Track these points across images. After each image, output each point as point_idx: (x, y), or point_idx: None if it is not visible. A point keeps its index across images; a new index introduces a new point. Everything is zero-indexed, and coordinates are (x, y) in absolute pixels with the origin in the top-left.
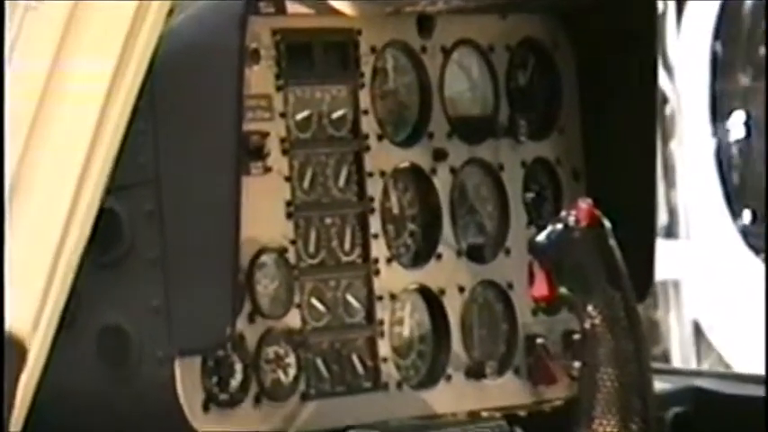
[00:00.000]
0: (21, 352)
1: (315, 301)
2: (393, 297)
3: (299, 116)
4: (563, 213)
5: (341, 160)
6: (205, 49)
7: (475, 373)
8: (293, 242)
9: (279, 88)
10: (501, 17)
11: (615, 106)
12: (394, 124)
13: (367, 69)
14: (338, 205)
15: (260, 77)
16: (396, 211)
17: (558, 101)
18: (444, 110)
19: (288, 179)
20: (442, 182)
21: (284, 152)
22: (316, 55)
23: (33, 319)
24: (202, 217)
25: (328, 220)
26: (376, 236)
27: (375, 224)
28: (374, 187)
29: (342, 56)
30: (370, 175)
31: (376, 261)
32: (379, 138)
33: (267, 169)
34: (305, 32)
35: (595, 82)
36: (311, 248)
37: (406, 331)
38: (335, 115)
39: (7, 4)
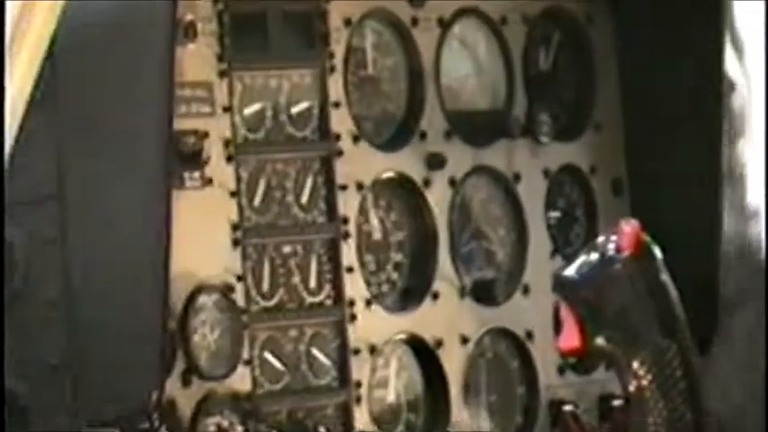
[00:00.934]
0: None
1: (270, 357)
2: (374, 350)
3: (249, 110)
4: (600, 239)
5: (304, 169)
6: (121, 22)
7: None
8: (241, 278)
9: (222, 73)
10: None
11: (668, 96)
12: (375, 121)
13: (339, 48)
14: (301, 229)
15: (196, 59)
16: (377, 236)
17: (592, 89)
18: (441, 102)
19: (234, 194)
20: (438, 197)
21: (229, 158)
22: (271, 29)
23: None
24: (119, 245)
25: (287, 249)
26: (351, 269)
27: (350, 254)
28: (348, 205)
29: (305, 30)
30: (344, 188)
31: (351, 303)
32: (355, 139)
33: (207, 181)
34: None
35: (642, 64)
36: (265, 286)
37: (390, 396)
38: (297, 109)
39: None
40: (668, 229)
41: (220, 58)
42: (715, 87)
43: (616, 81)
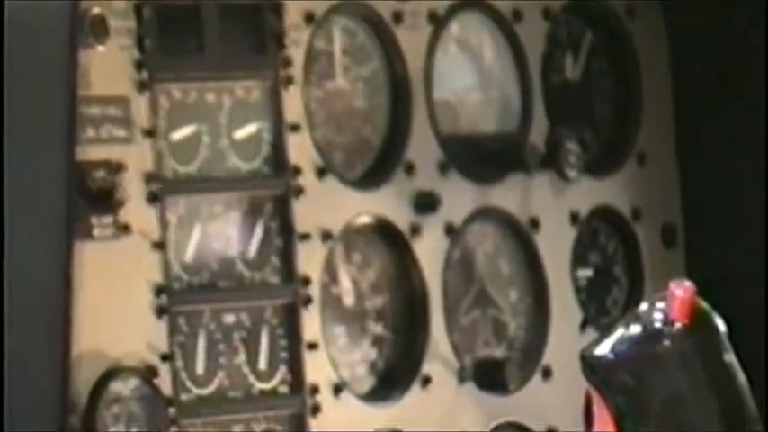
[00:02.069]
0: None
1: None
2: None
3: (179, 135)
4: (644, 306)
5: (252, 212)
6: (11, 18)
7: None
8: (167, 357)
9: (142, 86)
10: None
11: (737, 117)
12: (346, 149)
13: (297, 52)
14: (248, 291)
15: (108, 67)
16: (349, 301)
17: (635, 109)
18: (434, 123)
19: (159, 246)
20: (430, 249)
21: (152, 199)
22: (207, 27)
23: None
24: (4, 313)
25: (230, 319)
26: (314, 345)
27: (312, 325)
28: (311, 260)
29: (253, 29)
30: (305, 237)
31: (314, 390)
32: (320, 173)
33: (122, 228)
34: None
35: (703, 74)
36: (200, 368)
37: None
38: (242, 133)
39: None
40: (735, 295)
41: (139, 66)
42: None
43: (667, 95)
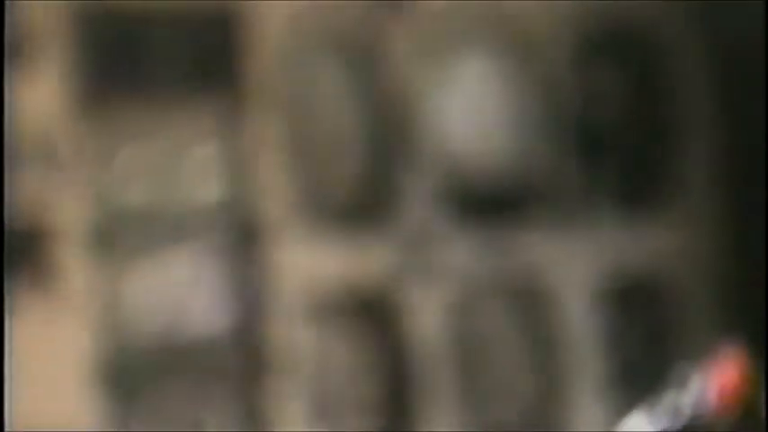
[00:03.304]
0: None
1: None
2: None
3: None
4: (691, 386)
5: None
6: None
7: None
8: None
9: (74, 120)
10: None
11: None
12: (319, 191)
13: (265, 78)
14: (193, 366)
15: (34, 98)
16: (323, 386)
17: (676, 147)
18: (431, 160)
19: (97, 307)
20: (424, 321)
21: (86, 257)
22: (156, 47)
23: None
24: None
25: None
26: None
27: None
28: (274, 326)
29: (210, 48)
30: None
31: None
32: (286, 223)
33: (50, 292)
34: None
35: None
36: None
37: None
38: (192, 172)
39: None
40: None
41: (72, 96)
42: None
43: (716, 131)
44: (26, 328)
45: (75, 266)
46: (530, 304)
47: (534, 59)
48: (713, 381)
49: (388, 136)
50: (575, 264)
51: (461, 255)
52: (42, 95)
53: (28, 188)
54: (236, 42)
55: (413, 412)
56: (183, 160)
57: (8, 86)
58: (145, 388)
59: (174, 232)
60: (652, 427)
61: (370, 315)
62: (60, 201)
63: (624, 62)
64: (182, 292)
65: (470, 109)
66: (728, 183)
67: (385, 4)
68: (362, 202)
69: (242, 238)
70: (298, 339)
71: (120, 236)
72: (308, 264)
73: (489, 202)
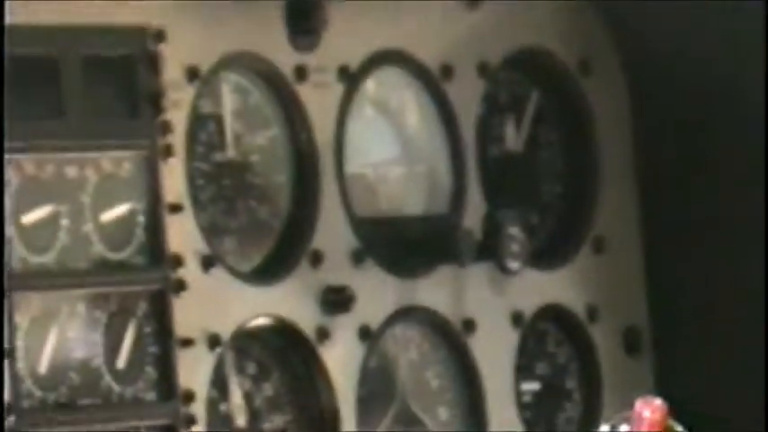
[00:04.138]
0: None
1: None
2: None
3: (32, 218)
4: (603, 429)
5: (123, 312)
6: None
7: None
8: None
9: None
10: (470, 1)
11: (712, 193)
12: (239, 235)
13: (179, 117)
14: (116, 411)
15: None
16: (241, 421)
17: (591, 185)
18: (346, 203)
19: (6, 355)
20: (342, 357)
21: None
22: (66, 84)
23: None
24: None
25: None
26: None
27: None
28: (195, 370)
29: (123, 87)
30: (187, 343)
31: None
32: (207, 263)
33: None
34: (31, 35)
35: (670, 145)
36: None
37: None
38: (110, 215)
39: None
40: (713, 413)
41: None
42: None
43: (629, 168)
44: None
45: None
46: (444, 335)
47: (440, 95)
48: (639, 419)
49: (305, 167)
50: (490, 301)
51: (378, 290)
52: None
53: None
54: (151, 82)
55: None
56: (99, 209)
57: None
58: None
59: (87, 282)
60: None
61: (291, 347)
62: None
63: (536, 100)
64: (95, 348)
65: (384, 146)
66: (644, 239)
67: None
68: (283, 250)
69: (158, 294)
70: (226, 372)
71: (30, 285)
72: (230, 309)
73: (403, 245)
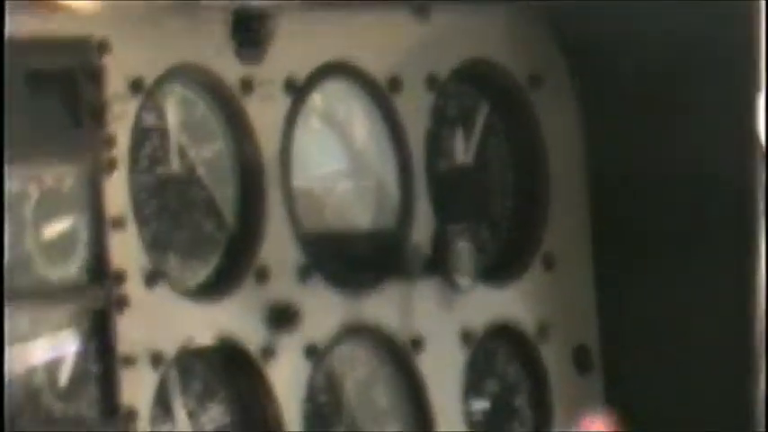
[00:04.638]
0: None
1: None
2: None
3: None
4: None
5: (64, 330)
6: None
7: None
8: None
9: None
10: (418, 14)
11: (665, 209)
12: (182, 250)
13: (122, 130)
14: (57, 430)
15: None
16: None
17: (541, 200)
18: (293, 217)
19: None
20: (286, 376)
21: None
22: (9, 97)
23: None
24: None
25: None
26: None
27: None
28: (137, 390)
29: (65, 99)
30: (129, 362)
31: None
32: (150, 280)
33: None
34: None
35: (621, 158)
36: None
37: None
38: (51, 233)
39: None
40: (664, 429)
41: None
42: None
43: (580, 183)
44: None
45: None
46: (391, 353)
47: (388, 108)
48: None
49: (251, 180)
50: (438, 318)
51: (324, 307)
52: None
53: None
54: (93, 95)
55: None
56: (40, 225)
57: None
58: None
59: (27, 300)
60: None
61: (236, 365)
62: None
63: (485, 112)
64: (35, 367)
65: (331, 159)
66: (595, 256)
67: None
68: (228, 266)
69: (100, 311)
70: (169, 390)
71: None
72: (173, 326)
73: (350, 260)
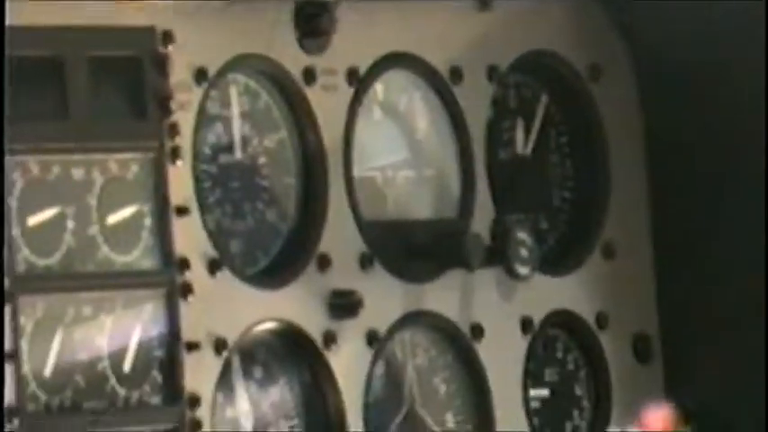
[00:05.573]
0: None
1: None
2: None
3: (36, 220)
4: None
5: (129, 316)
6: None
7: None
8: None
9: None
10: (480, 4)
11: (727, 198)
12: (246, 238)
13: (186, 119)
14: (122, 415)
15: None
16: (247, 427)
17: (601, 190)
18: (354, 207)
19: (10, 357)
20: (348, 362)
21: (1, 299)
22: (72, 85)
23: None
24: None
25: None
26: None
27: None
28: (200, 375)
29: (130, 89)
30: (193, 347)
31: None
32: (213, 267)
33: None
34: (37, 37)
35: (683, 150)
36: None
37: None
38: (116, 218)
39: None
40: (722, 420)
41: None
42: None
43: (641, 173)
44: None
45: None
46: (451, 341)
47: (449, 99)
48: (648, 426)
49: (313, 170)
50: (498, 306)
51: (385, 295)
52: None
53: None
54: (159, 83)
55: None
56: (105, 211)
57: None
58: None
59: (92, 285)
60: None
61: (298, 352)
62: None
63: (545, 104)
64: (100, 352)
65: (392, 150)
66: (655, 245)
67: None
68: (290, 254)
69: (165, 297)
70: (232, 376)
71: (35, 288)
72: (236, 313)
73: (411, 249)
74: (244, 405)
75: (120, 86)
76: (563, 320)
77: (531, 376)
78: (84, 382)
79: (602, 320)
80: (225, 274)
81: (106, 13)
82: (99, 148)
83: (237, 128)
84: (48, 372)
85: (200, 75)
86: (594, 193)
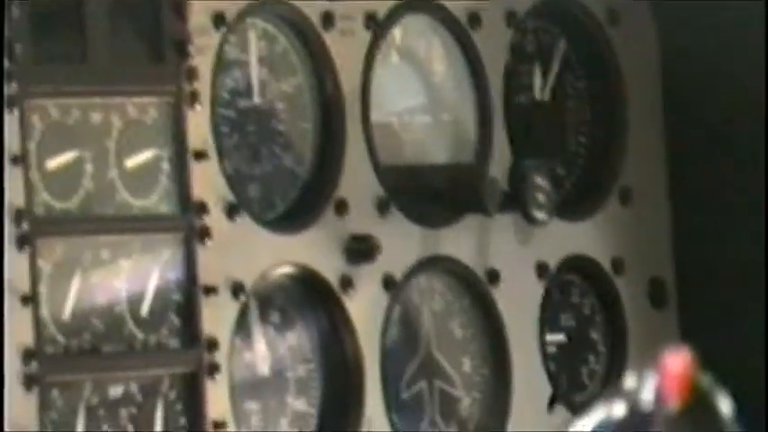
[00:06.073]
0: None
1: None
2: None
3: (56, 163)
4: (629, 381)
5: (147, 259)
6: None
7: None
8: None
9: (10, 102)
10: None
11: (740, 146)
12: (263, 182)
13: (204, 63)
14: (140, 357)
15: None
16: (265, 370)
17: (618, 135)
18: (371, 151)
19: (28, 300)
20: (365, 307)
21: (21, 241)
22: (90, 29)
23: None
24: None
25: (116, 390)
26: (221, 424)
27: (219, 399)
28: (218, 318)
29: (148, 32)
30: (211, 291)
31: None
32: (231, 211)
33: None
34: None
35: (699, 94)
36: None
37: None
38: (135, 161)
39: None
40: (742, 367)
41: (7, 77)
42: None
43: (658, 118)
44: None
45: (7, 261)
46: (468, 286)
47: (467, 44)
48: (665, 375)
49: (331, 115)
50: (515, 251)
51: (402, 240)
52: None
53: None
54: (177, 28)
55: (352, 391)
56: (123, 155)
57: None
58: (81, 394)
59: (111, 228)
60: (603, 419)
61: (315, 296)
62: None
63: (563, 49)
64: (119, 295)
65: (409, 95)
66: (671, 191)
67: None
68: (308, 199)
69: (183, 241)
70: (249, 320)
71: (54, 231)
72: (254, 257)
73: (428, 194)
74: (261, 349)
75: (138, 30)
76: (579, 265)
77: (548, 321)
78: (103, 325)
79: (617, 266)
80: (243, 219)
81: None
82: (117, 92)
83: (256, 73)
84: (66, 315)
85: (219, 19)
86: (612, 138)
